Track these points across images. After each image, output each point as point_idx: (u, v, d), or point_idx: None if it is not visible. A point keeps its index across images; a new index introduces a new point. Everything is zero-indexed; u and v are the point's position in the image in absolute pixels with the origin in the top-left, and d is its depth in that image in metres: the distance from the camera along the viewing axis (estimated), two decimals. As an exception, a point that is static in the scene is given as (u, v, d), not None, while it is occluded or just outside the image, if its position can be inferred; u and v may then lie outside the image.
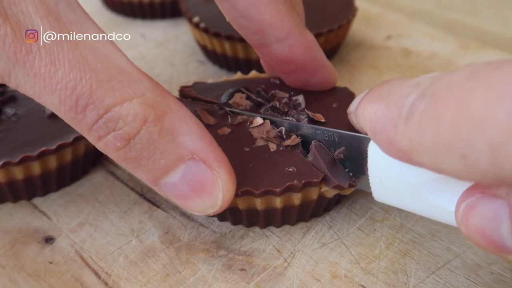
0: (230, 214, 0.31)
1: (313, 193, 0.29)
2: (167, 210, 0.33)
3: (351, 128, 0.32)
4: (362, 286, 0.28)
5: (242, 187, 0.28)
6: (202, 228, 0.32)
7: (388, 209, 0.32)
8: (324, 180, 0.29)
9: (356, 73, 0.46)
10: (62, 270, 0.30)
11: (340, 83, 0.35)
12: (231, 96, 0.34)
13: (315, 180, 0.28)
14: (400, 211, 0.32)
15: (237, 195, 0.28)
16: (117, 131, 0.23)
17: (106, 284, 0.29)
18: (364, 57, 0.48)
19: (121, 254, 0.30)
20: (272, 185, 0.28)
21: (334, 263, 0.29)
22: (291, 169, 0.29)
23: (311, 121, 0.32)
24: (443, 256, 0.30)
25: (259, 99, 0.34)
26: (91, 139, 0.24)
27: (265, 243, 0.31)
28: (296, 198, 0.29)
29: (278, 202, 0.29)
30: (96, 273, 0.29)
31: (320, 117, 0.32)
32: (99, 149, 0.25)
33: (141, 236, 0.31)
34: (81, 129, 0.24)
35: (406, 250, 0.30)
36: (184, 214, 0.33)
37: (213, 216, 0.32)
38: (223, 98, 0.34)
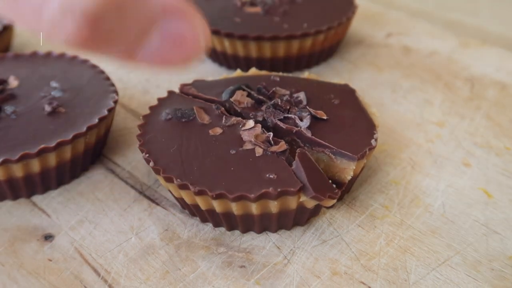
0: (210, 217, 0.31)
1: (291, 202, 0.29)
2: (167, 207, 0.33)
3: (354, 124, 0.32)
4: (362, 283, 0.28)
5: (218, 190, 0.28)
6: (201, 225, 0.32)
7: (388, 206, 0.32)
8: (303, 190, 0.28)
9: (356, 70, 0.46)
10: (61, 267, 0.29)
11: (340, 81, 0.35)
12: (232, 93, 0.34)
13: (292, 189, 0.28)
14: (400, 208, 0.32)
15: (211, 197, 0.28)
16: (78, 11, 0.19)
17: (105, 281, 0.29)
18: (364, 54, 0.48)
19: (121, 252, 0.30)
20: (248, 190, 0.28)
21: (334, 260, 0.29)
22: (271, 176, 0.28)
23: (314, 118, 0.32)
24: (444, 253, 0.30)
25: (260, 97, 0.33)
26: (48, 32, 0.20)
27: (265, 240, 0.31)
28: (273, 206, 0.29)
29: (254, 208, 0.29)
30: (95, 271, 0.29)
31: (322, 114, 0.32)
32: (59, 41, 0.21)
33: (141, 233, 0.31)
34: (40, 26, 0.19)
35: (406, 247, 0.30)
36: (183, 211, 0.33)
37: (194, 216, 0.32)
38: (224, 96, 0.34)
